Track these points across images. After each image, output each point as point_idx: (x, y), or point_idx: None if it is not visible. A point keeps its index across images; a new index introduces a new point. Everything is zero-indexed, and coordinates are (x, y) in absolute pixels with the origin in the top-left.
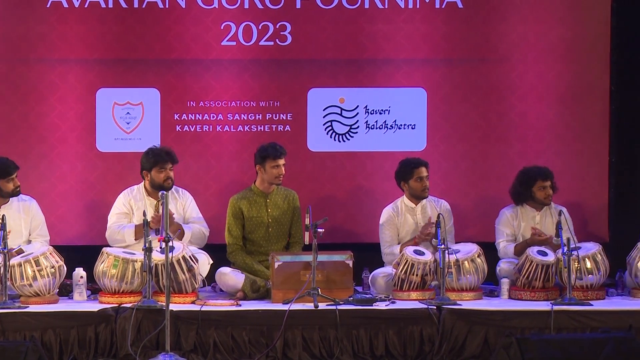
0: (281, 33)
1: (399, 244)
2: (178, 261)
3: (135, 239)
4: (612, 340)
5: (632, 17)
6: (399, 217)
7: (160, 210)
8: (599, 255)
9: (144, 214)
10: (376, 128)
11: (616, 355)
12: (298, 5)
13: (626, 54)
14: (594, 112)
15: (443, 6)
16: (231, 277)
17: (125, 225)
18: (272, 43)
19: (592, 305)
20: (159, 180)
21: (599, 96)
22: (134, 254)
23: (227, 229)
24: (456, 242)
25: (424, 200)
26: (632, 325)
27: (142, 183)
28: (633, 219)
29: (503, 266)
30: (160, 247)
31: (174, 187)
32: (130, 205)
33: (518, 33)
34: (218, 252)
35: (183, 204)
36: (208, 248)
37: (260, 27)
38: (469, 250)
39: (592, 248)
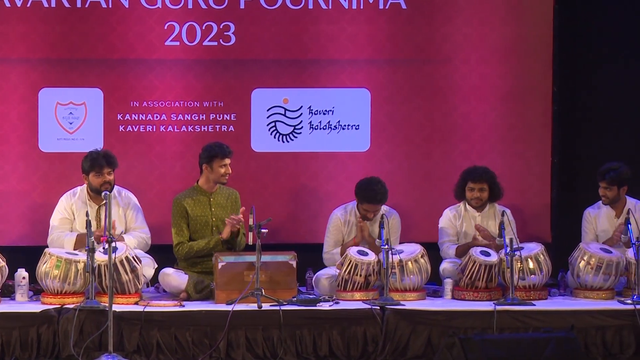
0: (225, 33)
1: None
2: (121, 262)
3: (75, 249)
4: (554, 340)
5: (574, 18)
6: (345, 227)
7: (103, 213)
8: (541, 256)
9: (87, 214)
10: (320, 128)
11: (558, 354)
12: (242, 6)
13: (568, 54)
14: (537, 113)
15: (387, 7)
16: (174, 277)
17: (67, 234)
18: (215, 43)
19: (534, 305)
20: (96, 184)
21: (541, 97)
22: (76, 254)
23: (174, 230)
24: (400, 243)
25: None
26: (574, 325)
27: (85, 186)
28: (575, 219)
29: (446, 266)
30: (103, 248)
31: (118, 189)
32: (71, 211)
33: (461, 34)
34: (161, 253)
35: (125, 210)
36: (151, 249)
37: (204, 27)
38: (412, 250)
39: (534, 248)
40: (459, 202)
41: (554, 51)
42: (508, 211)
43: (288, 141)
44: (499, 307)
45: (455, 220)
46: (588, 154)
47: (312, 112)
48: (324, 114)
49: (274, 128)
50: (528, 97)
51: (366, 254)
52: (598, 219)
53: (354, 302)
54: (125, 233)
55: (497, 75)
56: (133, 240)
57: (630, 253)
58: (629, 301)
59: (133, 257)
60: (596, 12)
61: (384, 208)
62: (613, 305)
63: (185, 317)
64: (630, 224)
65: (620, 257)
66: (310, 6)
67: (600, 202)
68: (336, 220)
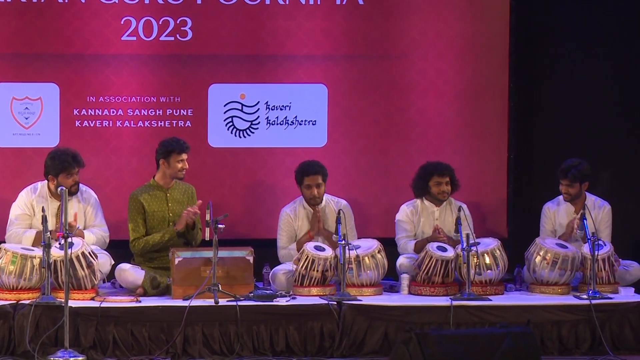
0: (182, 28)
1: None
2: (77, 257)
3: (34, 246)
4: (510, 335)
5: (531, 15)
6: (296, 222)
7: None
8: (497, 251)
9: (43, 210)
10: (277, 124)
11: (514, 349)
12: (199, 1)
13: (525, 51)
14: (493, 109)
15: (344, 3)
16: (131, 273)
17: (26, 231)
18: (172, 38)
19: (490, 300)
20: (66, 185)
21: (498, 93)
22: (32, 250)
23: (130, 225)
24: (357, 238)
25: (323, 202)
26: (529, 320)
27: (46, 183)
28: (531, 215)
29: (403, 262)
30: (59, 244)
31: (79, 186)
32: (31, 206)
33: (418, 30)
34: (118, 248)
35: (85, 208)
36: (107, 244)
37: (160, 22)
38: (369, 246)
39: (490, 244)
40: (418, 198)
41: (510, 47)
42: (465, 206)
43: (245, 136)
44: (455, 302)
45: (412, 215)
46: (544, 149)
47: (269, 108)
48: (281, 109)
49: (230, 123)
50: (484, 93)
51: (323, 250)
52: (557, 215)
53: (310, 297)
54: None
55: (454, 71)
56: (92, 236)
57: (585, 248)
58: (585, 296)
59: (89, 253)
60: (552, 8)
61: (334, 199)
62: (569, 300)
63: (142, 312)
64: (586, 219)
65: (575, 253)
66: (268, 2)
67: (560, 197)
68: (286, 217)
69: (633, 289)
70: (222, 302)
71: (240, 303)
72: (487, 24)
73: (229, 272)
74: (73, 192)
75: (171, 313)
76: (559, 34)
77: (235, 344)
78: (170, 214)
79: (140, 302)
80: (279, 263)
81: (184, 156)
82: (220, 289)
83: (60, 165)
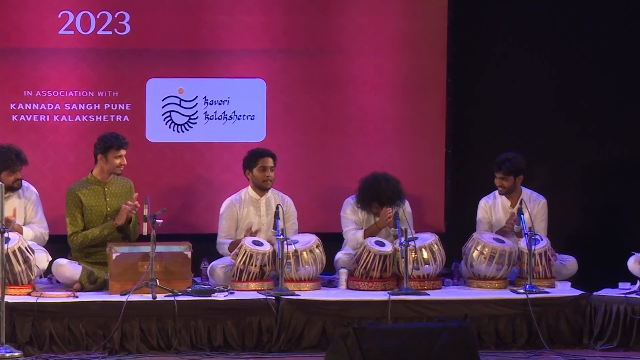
0: (120, 22)
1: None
2: (14, 252)
3: None
4: (447, 330)
5: (469, 10)
6: (241, 209)
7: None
8: (435, 246)
9: None
10: (215, 119)
11: (451, 344)
12: None
13: (462, 47)
14: (431, 104)
15: None
16: (68, 268)
17: None
18: (110, 32)
19: (428, 295)
20: (8, 182)
21: (436, 88)
22: None
23: (68, 220)
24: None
25: (269, 193)
26: (467, 315)
27: None
28: (468, 209)
29: (341, 256)
30: None
31: (22, 182)
32: None
33: (357, 25)
34: (55, 244)
35: (25, 204)
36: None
37: (98, 17)
38: (307, 240)
39: (428, 238)
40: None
41: (448, 43)
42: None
43: (183, 131)
44: (393, 297)
45: (356, 209)
46: (482, 144)
47: (207, 102)
48: (220, 104)
49: (169, 118)
50: (423, 88)
51: (261, 244)
52: (493, 209)
53: (249, 292)
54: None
55: (392, 67)
56: (31, 232)
57: (522, 243)
58: (522, 290)
59: (26, 248)
60: (490, 4)
61: (278, 194)
62: (506, 294)
63: (79, 308)
64: (523, 214)
65: (513, 247)
66: None
67: (496, 192)
68: (230, 205)
69: (569, 284)
70: (160, 297)
71: (178, 298)
72: (425, 19)
73: (167, 267)
74: (15, 187)
75: (108, 308)
76: (496, 30)
77: (173, 339)
78: (109, 209)
79: (77, 297)
80: (217, 257)
81: (123, 152)
82: (158, 284)
83: (3, 163)
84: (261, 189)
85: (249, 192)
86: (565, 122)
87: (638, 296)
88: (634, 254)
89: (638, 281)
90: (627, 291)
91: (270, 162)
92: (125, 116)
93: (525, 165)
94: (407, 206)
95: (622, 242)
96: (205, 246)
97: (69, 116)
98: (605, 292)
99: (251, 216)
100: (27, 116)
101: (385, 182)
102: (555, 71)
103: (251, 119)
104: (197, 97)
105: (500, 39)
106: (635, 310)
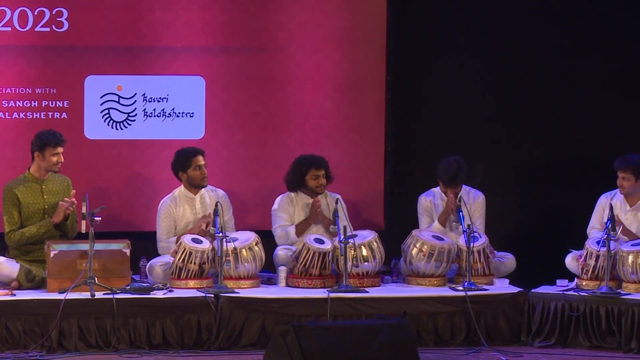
0: (58, 19)
1: (175, 235)
2: None
3: None
4: (386, 327)
5: (408, 7)
6: (177, 209)
7: None
8: (374, 243)
9: None
10: (154, 116)
11: (390, 341)
12: None
13: (402, 44)
14: (370, 102)
15: None
16: (5, 266)
17: None
18: (48, 29)
19: (367, 292)
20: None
21: (375, 86)
22: None
23: (5, 217)
24: (235, 230)
25: (203, 190)
26: (406, 312)
27: None
28: (408, 207)
29: (280, 254)
30: None
31: None
32: None
33: (296, 23)
34: None
35: None
36: None
37: (36, 13)
38: (246, 238)
39: (368, 236)
40: (292, 192)
41: (388, 40)
42: (341, 198)
43: (122, 129)
44: (332, 295)
45: (288, 205)
46: (421, 142)
47: (146, 100)
48: (159, 101)
49: (107, 115)
50: (362, 86)
51: (201, 242)
52: (433, 206)
53: (188, 290)
54: None
55: (332, 64)
56: None
57: (461, 240)
58: (460, 288)
59: None
60: (429, 2)
61: (212, 189)
62: (444, 292)
63: (17, 306)
64: (462, 211)
65: (451, 244)
66: None
67: (435, 189)
68: (167, 207)
69: (508, 281)
70: (99, 295)
71: (116, 296)
72: (364, 17)
73: (106, 265)
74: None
75: (46, 306)
76: (436, 28)
77: (112, 337)
78: (46, 206)
79: (14, 295)
80: (156, 255)
81: (60, 149)
82: (96, 281)
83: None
84: (198, 187)
85: (182, 191)
86: (502, 120)
87: (575, 293)
88: (571, 252)
89: (575, 278)
90: (565, 288)
91: (202, 159)
92: (64, 113)
93: (465, 167)
94: (343, 202)
95: (560, 239)
96: (144, 244)
97: (7, 113)
98: (543, 289)
99: (187, 215)
100: None
101: None
102: (493, 70)
103: (190, 116)
104: (135, 94)
105: (439, 37)
106: (572, 307)
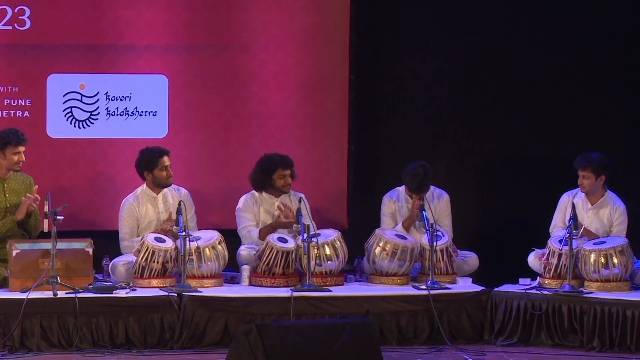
0: (20, 17)
1: (139, 236)
2: None
3: None
4: (350, 326)
5: (371, 7)
6: (140, 208)
7: None
8: (337, 242)
9: None
10: (117, 115)
11: (354, 340)
12: None
13: (365, 43)
14: (334, 101)
15: None
16: None
17: None
18: (10, 27)
19: (331, 291)
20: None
21: (338, 85)
22: None
23: None
24: (198, 230)
25: (165, 189)
26: (369, 311)
27: None
28: (371, 206)
29: (243, 253)
30: None
31: None
32: None
33: (259, 21)
34: None
35: None
36: None
37: None
38: (210, 237)
39: (331, 235)
40: (257, 191)
41: (351, 40)
42: (304, 197)
43: (84, 127)
44: (295, 294)
45: (252, 205)
46: (385, 141)
47: (109, 98)
48: (121, 100)
49: (70, 114)
50: (325, 85)
51: (164, 241)
52: (398, 205)
53: (151, 289)
54: None
55: (295, 63)
56: None
57: (424, 239)
58: (423, 287)
59: None
60: (392, 1)
61: (171, 188)
62: (408, 290)
63: None
64: (425, 210)
65: (414, 243)
66: None
67: (399, 188)
68: (129, 206)
69: (470, 279)
70: (61, 294)
71: (79, 295)
72: (328, 16)
73: (68, 264)
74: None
75: (8, 306)
76: (399, 28)
77: (74, 337)
78: (8, 205)
79: None
80: (119, 254)
81: (21, 148)
82: (59, 281)
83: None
84: (163, 186)
85: (145, 190)
86: (465, 120)
87: (538, 292)
88: (534, 250)
89: (538, 277)
90: (528, 287)
91: (168, 160)
92: (26, 112)
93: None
94: (306, 201)
95: (523, 238)
96: (107, 243)
97: None
98: (506, 288)
99: (150, 214)
100: None
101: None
102: (456, 70)
103: (153, 115)
104: (98, 92)
105: (402, 37)
106: (535, 306)
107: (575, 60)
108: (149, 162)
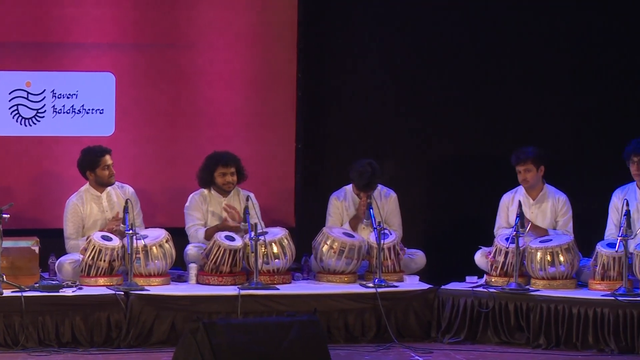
0: None
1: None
2: None
3: None
4: (297, 324)
5: (319, 5)
6: (84, 207)
7: None
8: (285, 240)
9: None
10: (64, 112)
11: (301, 338)
12: None
13: (313, 41)
14: (281, 99)
15: None
16: None
17: None
18: None
19: (278, 289)
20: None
21: (286, 83)
22: None
23: None
24: (145, 228)
25: (109, 187)
26: (316, 309)
27: None
28: (318, 204)
29: (191, 251)
30: None
31: None
32: None
33: (207, 19)
34: None
35: None
36: None
37: None
38: (157, 235)
39: (278, 233)
40: (204, 188)
41: (299, 38)
42: (252, 196)
43: (31, 125)
44: (243, 292)
45: (201, 204)
46: (332, 139)
47: (55, 96)
48: (68, 97)
49: (16, 112)
50: (273, 83)
51: (111, 239)
52: (344, 205)
53: (97, 287)
54: None
55: (243, 61)
56: None
57: (372, 237)
58: (371, 285)
59: None
60: (342, 1)
61: (120, 185)
62: (355, 288)
63: None
64: (372, 208)
65: (362, 241)
66: None
67: (346, 187)
68: (73, 206)
69: (418, 277)
70: (7, 293)
71: (25, 294)
72: (275, 14)
73: (14, 263)
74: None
75: None
76: (347, 26)
77: (20, 336)
78: None
79: None
80: (65, 253)
81: None
82: (4, 279)
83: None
84: (106, 185)
85: (88, 189)
86: (412, 118)
87: (484, 290)
88: (480, 248)
89: (485, 275)
90: (474, 285)
91: (110, 158)
92: None
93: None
94: (254, 200)
95: (469, 236)
96: (54, 241)
97: None
98: (453, 286)
99: (95, 213)
100: None
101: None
102: (403, 68)
103: (100, 113)
104: (45, 90)
105: (350, 35)
106: (482, 304)
107: (521, 59)
108: (90, 161)
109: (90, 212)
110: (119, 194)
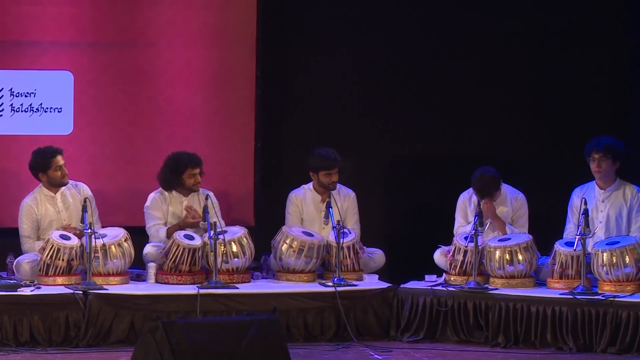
0: None
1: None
2: None
3: None
4: (256, 323)
5: (278, 3)
6: (39, 208)
7: None
8: (244, 239)
9: None
10: (22, 111)
11: (260, 337)
12: None
13: (272, 40)
14: (240, 98)
15: None
16: None
17: None
18: None
19: (237, 288)
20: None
21: (245, 82)
22: None
23: None
24: (103, 227)
25: (63, 188)
26: (276, 308)
27: None
28: (277, 203)
29: (150, 250)
30: None
31: None
32: None
33: (166, 18)
34: None
35: None
36: None
37: None
38: (115, 234)
39: (237, 232)
40: (166, 190)
41: (258, 36)
42: (212, 194)
43: None
44: (202, 291)
45: (161, 203)
46: (292, 138)
47: (13, 95)
48: (26, 96)
49: None
50: (232, 81)
51: (69, 238)
52: (304, 203)
53: (56, 287)
54: None
55: (202, 60)
56: None
57: (331, 236)
58: (330, 283)
59: None
60: None
61: (75, 184)
62: (314, 287)
63: None
64: (331, 207)
65: (321, 240)
66: None
67: (306, 186)
68: (28, 208)
69: (377, 276)
70: None
71: None
72: (234, 13)
73: None
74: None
75: None
76: (306, 24)
77: None
78: None
79: None
80: (22, 252)
81: None
82: None
83: None
84: (59, 186)
85: (42, 190)
86: (372, 117)
87: (444, 288)
88: (440, 247)
89: (444, 274)
90: (433, 283)
91: (62, 159)
92: None
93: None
94: (214, 199)
95: (429, 235)
96: (12, 241)
97: None
98: (412, 285)
99: (50, 213)
100: None
101: None
102: (362, 67)
103: (58, 111)
104: (2, 89)
105: (309, 34)
106: (441, 302)
107: (478, 58)
108: (42, 163)
109: (45, 213)
110: (73, 193)
